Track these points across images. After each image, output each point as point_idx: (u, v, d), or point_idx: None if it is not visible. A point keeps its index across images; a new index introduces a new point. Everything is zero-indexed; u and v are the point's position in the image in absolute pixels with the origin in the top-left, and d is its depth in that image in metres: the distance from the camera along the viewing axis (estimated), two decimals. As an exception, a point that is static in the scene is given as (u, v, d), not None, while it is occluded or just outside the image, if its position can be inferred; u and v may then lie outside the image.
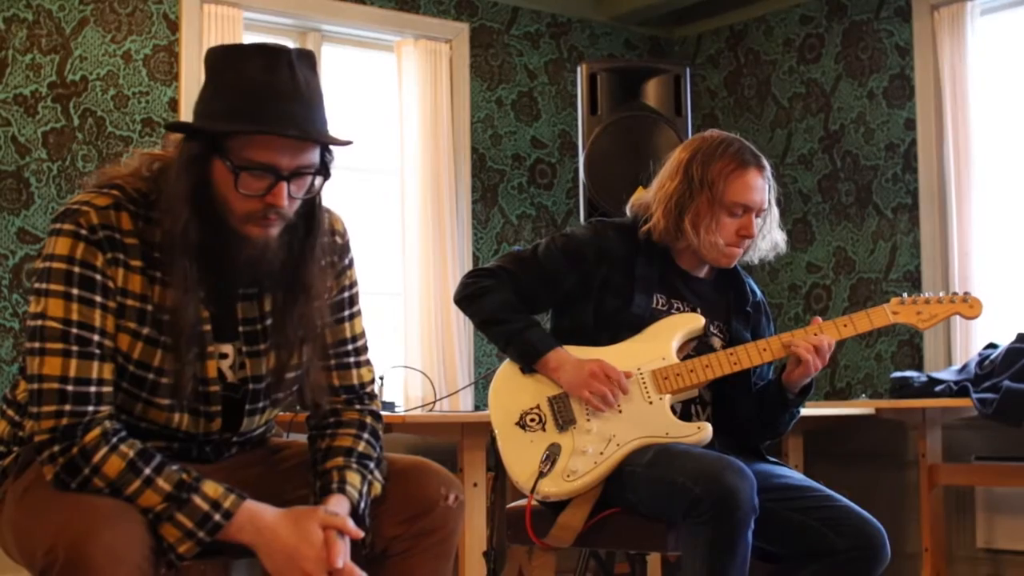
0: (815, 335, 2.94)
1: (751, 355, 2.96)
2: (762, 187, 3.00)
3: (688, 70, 5.08)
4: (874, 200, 5.75)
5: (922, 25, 5.58)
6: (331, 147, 2.18)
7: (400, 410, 4.89)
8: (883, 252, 5.71)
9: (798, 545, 2.87)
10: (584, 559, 3.99)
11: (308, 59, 2.15)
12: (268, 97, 2.06)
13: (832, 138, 5.94)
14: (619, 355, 2.95)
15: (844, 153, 5.88)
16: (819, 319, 3.02)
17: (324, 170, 2.16)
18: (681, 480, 2.69)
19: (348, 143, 2.17)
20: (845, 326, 3.00)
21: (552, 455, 2.87)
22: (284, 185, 2.09)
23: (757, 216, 3.01)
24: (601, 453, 2.87)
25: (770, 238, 3.09)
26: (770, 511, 2.76)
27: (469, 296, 3.07)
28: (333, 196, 2.32)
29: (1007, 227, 5.35)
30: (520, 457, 2.91)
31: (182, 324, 2.11)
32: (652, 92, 5.00)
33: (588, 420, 2.92)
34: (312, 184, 2.16)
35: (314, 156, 2.13)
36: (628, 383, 2.92)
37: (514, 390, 3.00)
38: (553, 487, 2.86)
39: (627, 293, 3.01)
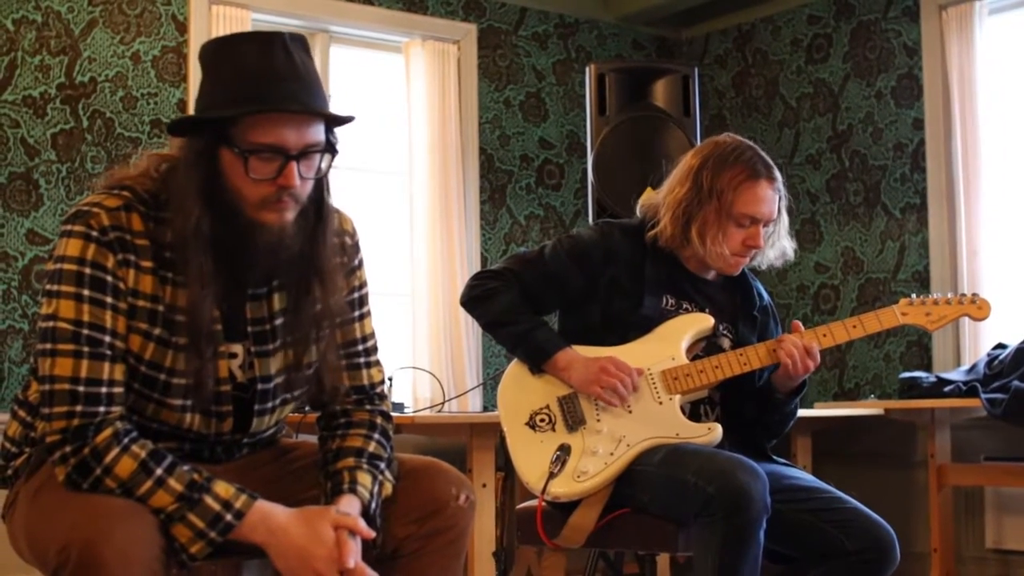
0: (804, 339, 2.95)
1: (760, 355, 2.97)
2: (772, 199, 3.00)
3: (696, 70, 5.08)
4: (882, 200, 5.75)
5: (930, 25, 5.57)
6: (335, 128, 2.19)
7: (409, 411, 4.90)
8: (891, 252, 5.70)
9: (807, 546, 2.87)
10: (593, 559, 3.99)
11: (301, 42, 2.17)
12: (267, 78, 2.08)
13: (840, 138, 5.93)
14: (628, 355, 2.95)
15: (852, 153, 5.88)
16: (799, 323, 3.02)
17: (330, 147, 2.17)
18: (693, 479, 2.69)
19: (350, 118, 2.19)
20: (854, 327, 3.00)
21: (562, 456, 2.87)
22: (294, 165, 2.10)
23: (765, 227, 3.01)
24: (611, 453, 2.87)
25: (778, 246, 3.09)
26: (779, 512, 2.76)
27: (476, 298, 3.07)
28: (341, 197, 2.33)
29: (1016, 227, 5.34)
30: (530, 457, 2.91)
31: (199, 322, 2.12)
32: (660, 92, 5.00)
33: (598, 420, 2.92)
34: (320, 163, 2.16)
35: (319, 133, 2.14)
36: (638, 380, 2.92)
37: (523, 390, 3.00)
38: (563, 488, 2.85)
39: (636, 294, 3.01)
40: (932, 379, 5.04)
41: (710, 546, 2.65)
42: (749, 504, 2.62)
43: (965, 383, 4.87)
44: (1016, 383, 4.61)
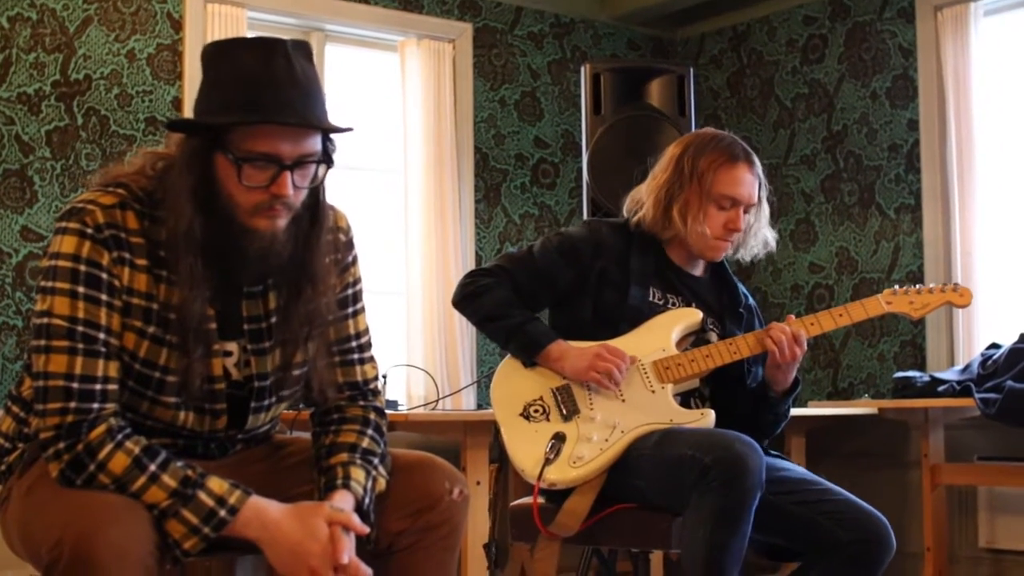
0: (792, 327, 2.97)
1: (750, 343, 3.01)
2: (751, 182, 3.05)
3: (691, 70, 5.09)
4: (877, 200, 5.75)
5: (925, 26, 5.58)
6: (333, 136, 2.19)
7: (403, 409, 4.90)
8: (886, 252, 5.71)
9: (800, 538, 2.88)
10: (587, 558, 3.99)
11: (304, 49, 2.15)
12: (266, 87, 2.07)
13: (835, 138, 5.94)
14: (619, 347, 2.98)
15: (847, 153, 5.89)
16: (792, 316, 3.05)
17: (327, 158, 2.17)
18: (690, 452, 2.72)
19: (348, 130, 2.18)
20: (840, 315, 3.06)
21: (557, 444, 2.89)
22: (287, 175, 2.10)
23: (746, 212, 3.06)
24: (607, 440, 2.89)
25: (760, 235, 3.14)
26: (772, 504, 2.77)
27: (467, 296, 3.09)
28: (337, 195, 2.33)
29: (1010, 227, 5.35)
30: (525, 446, 2.93)
31: (188, 321, 2.12)
32: (655, 92, 5.01)
33: (591, 409, 2.95)
34: (316, 173, 2.16)
35: (316, 144, 2.14)
36: (631, 370, 2.94)
37: (517, 382, 3.03)
38: (559, 474, 2.87)
39: (624, 285, 3.05)
40: (926, 378, 5.04)
41: (703, 517, 2.66)
42: (746, 474, 2.63)
43: (959, 383, 4.88)
44: (1010, 383, 4.62)
